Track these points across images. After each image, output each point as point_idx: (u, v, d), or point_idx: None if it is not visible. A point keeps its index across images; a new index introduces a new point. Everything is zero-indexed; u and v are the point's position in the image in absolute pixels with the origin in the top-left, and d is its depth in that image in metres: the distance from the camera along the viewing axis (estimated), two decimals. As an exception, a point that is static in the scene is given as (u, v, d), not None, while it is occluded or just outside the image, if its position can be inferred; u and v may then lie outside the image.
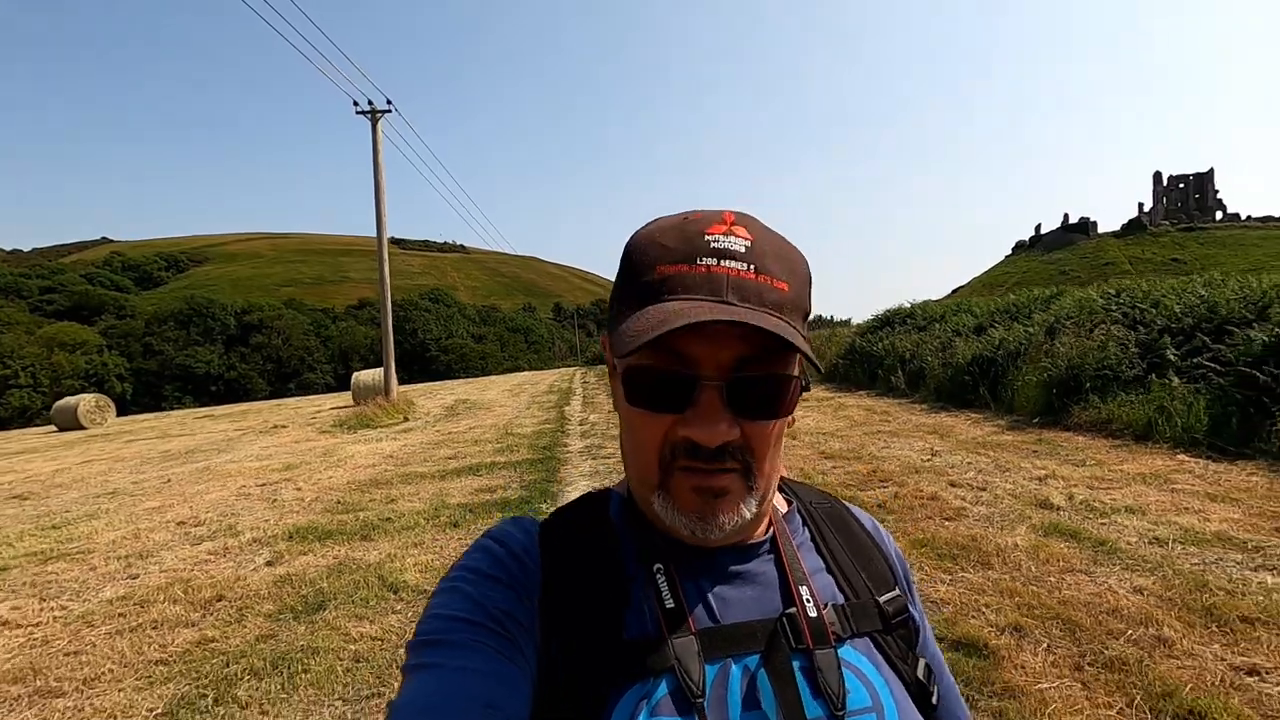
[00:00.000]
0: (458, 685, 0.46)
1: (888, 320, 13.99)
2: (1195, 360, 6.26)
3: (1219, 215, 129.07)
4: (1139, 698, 2.19)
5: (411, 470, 7.21)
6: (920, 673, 0.59)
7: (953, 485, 5.07)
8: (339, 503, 5.80)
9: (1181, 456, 5.35)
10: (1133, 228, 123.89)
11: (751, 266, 0.52)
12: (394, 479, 6.75)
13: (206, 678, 2.68)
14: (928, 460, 5.97)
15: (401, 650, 2.61)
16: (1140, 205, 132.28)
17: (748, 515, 0.54)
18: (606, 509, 0.63)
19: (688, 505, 0.53)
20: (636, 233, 0.57)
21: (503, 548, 0.57)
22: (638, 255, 0.55)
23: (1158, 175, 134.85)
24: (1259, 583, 2.96)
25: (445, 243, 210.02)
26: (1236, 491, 4.35)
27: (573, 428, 10.12)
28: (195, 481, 7.49)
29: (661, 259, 0.52)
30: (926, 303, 13.97)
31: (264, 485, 6.90)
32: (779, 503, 0.67)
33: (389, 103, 14.61)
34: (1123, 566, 3.28)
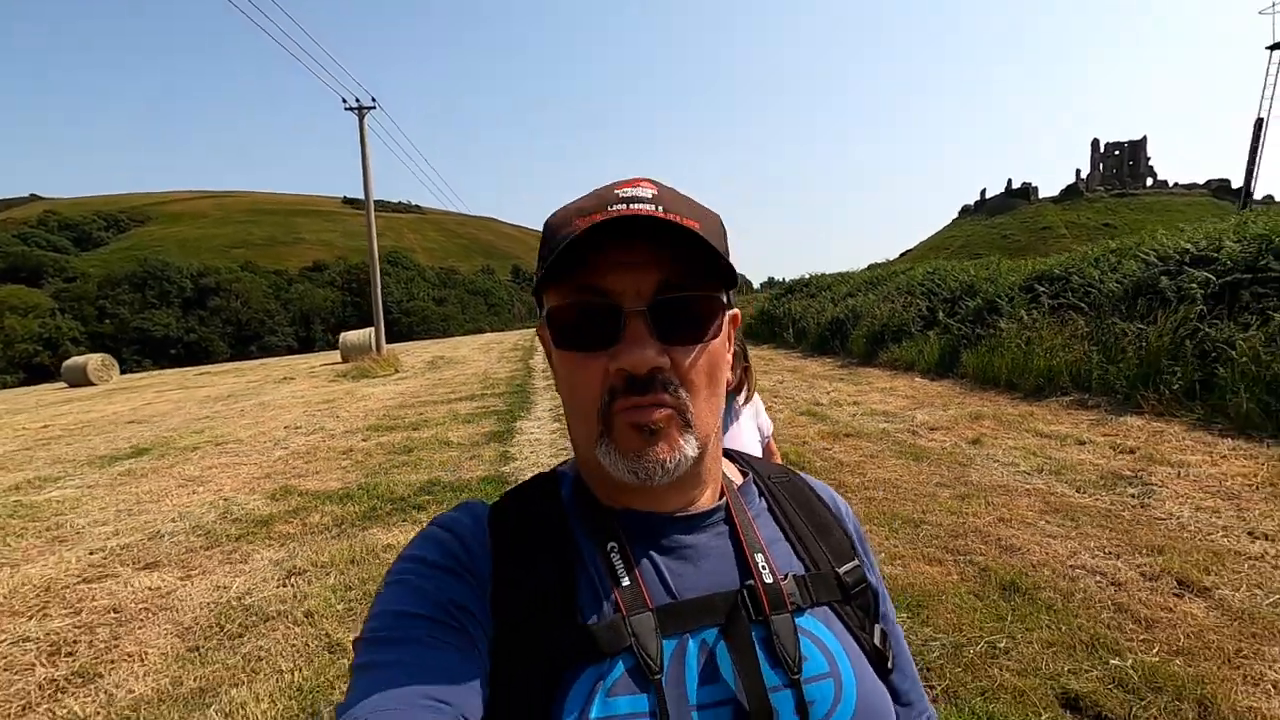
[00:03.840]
0: (405, 684, 0.46)
1: (791, 288, 17.39)
2: (948, 320, 9.62)
3: (1149, 182, 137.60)
4: (777, 456, 5.40)
5: (424, 399, 10.16)
6: (877, 639, 0.61)
7: (775, 397, 8.29)
8: (384, 416, 8.74)
9: (917, 379, 8.69)
10: (1070, 193, 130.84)
11: (660, 207, 0.53)
12: (414, 404, 9.69)
13: (371, 471, 5.68)
14: (772, 386, 9.19)
15: (460, 468, 5.62)
16: (1078, 171, 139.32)
17: (690, 454, 0.54)
18: (558, 489, 0.63)
19: (628, 445, 0.53)
20: (553, 211, 0.58)
21: (451, 535, 0.57)
22: (554, 222, 0.57)
23: (1095, 142, 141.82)
24: (873, 426, 6.21)
25: (400, 203, 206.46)
26: (920, 394, 7.66)
27: (537, 374, 13.11)
28: (262, 411, 10.27)
29: (575, 215, 0.54)
30: (821, 275, 17.37)
31: (320, 411, 9.75)
32: (734, 474, 0.68)
33: (374, 100, 16.96)
34: (824, 424, 6.48)
